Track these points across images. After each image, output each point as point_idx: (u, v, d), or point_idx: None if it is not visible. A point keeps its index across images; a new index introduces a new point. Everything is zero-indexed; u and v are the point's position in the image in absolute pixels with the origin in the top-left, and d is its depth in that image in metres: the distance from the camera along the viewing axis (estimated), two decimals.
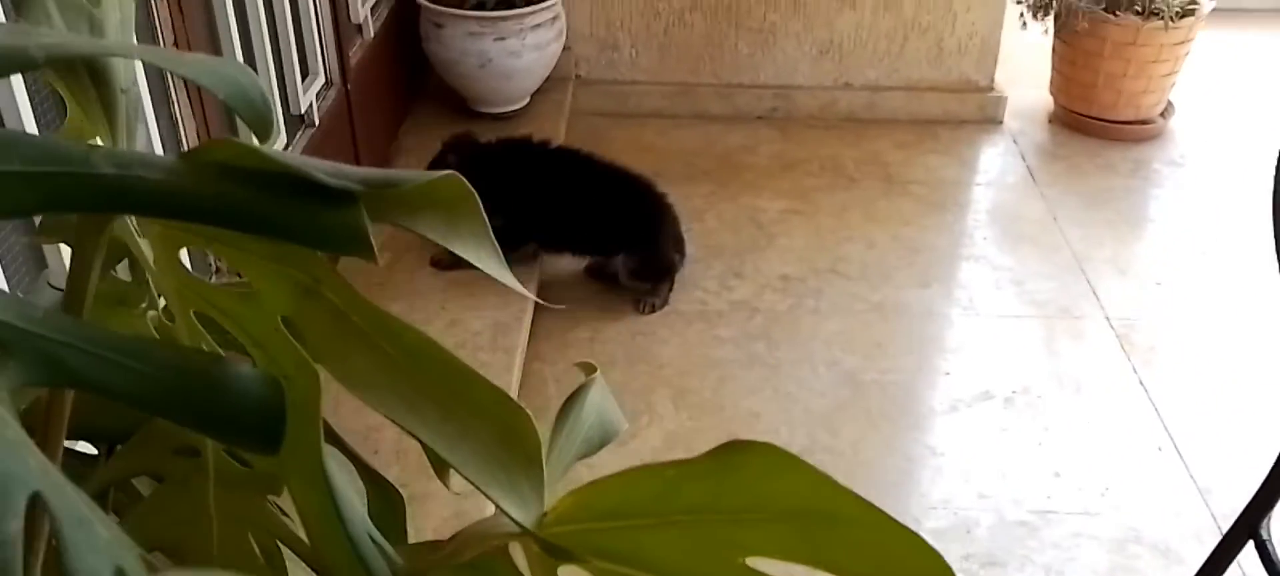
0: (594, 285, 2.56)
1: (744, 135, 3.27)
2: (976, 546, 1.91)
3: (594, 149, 3.14)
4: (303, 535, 0.64)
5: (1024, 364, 2.36)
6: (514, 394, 2.12)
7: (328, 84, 2.47)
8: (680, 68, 3.37)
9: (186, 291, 0.52)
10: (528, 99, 3.10)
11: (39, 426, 0.51)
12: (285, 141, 2.19)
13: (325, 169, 0.45)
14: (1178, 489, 2.05)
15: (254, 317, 0.50)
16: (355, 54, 2.64)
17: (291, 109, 2.27)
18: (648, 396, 2.24)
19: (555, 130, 3.04)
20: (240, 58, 1.98)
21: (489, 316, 2.27)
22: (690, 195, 2.94)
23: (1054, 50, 3.31)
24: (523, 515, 0.46)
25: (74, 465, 0.70)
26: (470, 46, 2.89)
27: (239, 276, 0.53)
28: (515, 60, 2.94)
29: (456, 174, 0.48)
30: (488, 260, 0.50)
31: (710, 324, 2.45)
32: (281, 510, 0.68)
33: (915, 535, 0.42)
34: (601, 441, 0.56)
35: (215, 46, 1.94)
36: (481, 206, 0.51)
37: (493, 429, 0.47)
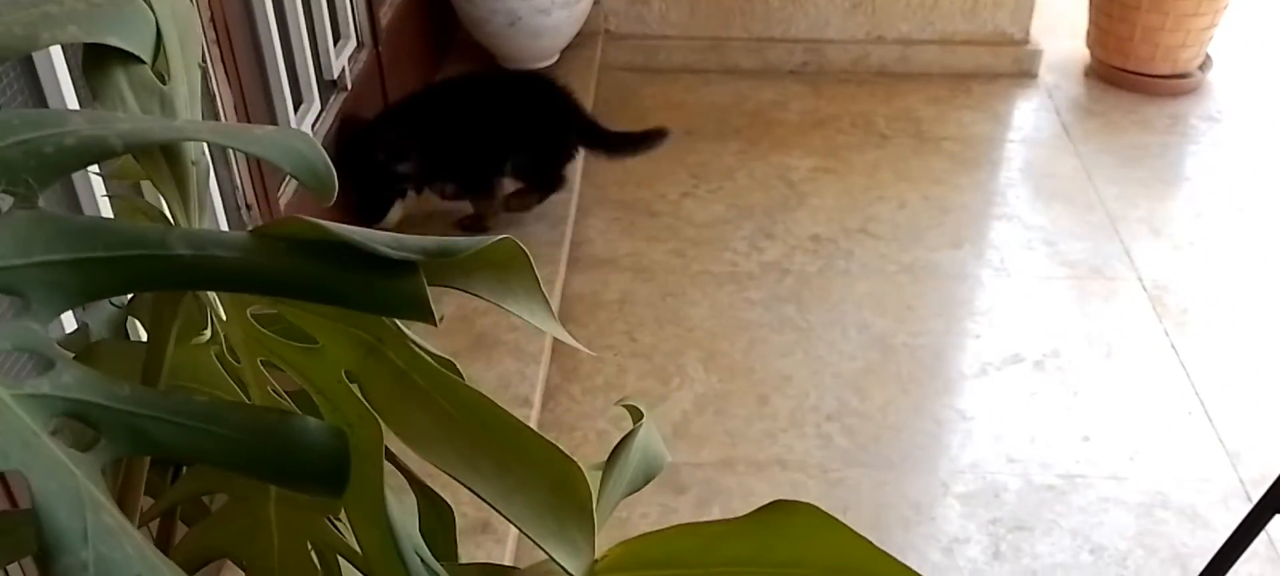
0: (625, 247, 2.58)
1: (775, 91, 3.25)
2: (1004, 510, 1.94)
3: (624, 106, 3.16)
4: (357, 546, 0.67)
5: (1055, 326, 2.37)
6: (545, 356, 2.15)
7: (359, 46, 2.48)
8: (711, 22, 3.35)
9: (253, 342, 0.54)
10: (557, 56, 3.11)
11: (120, 473, 0.55)
12: (319, 109, 2.21)
13: (386, 241, 0.48)
14: (1206, 454, 2.06)
15: (318, 370, 0.52)
16: (386, 14, 2.65)
17: (324, 74, 2.28)
18: (678, 358, 2.26)
19: (584, 86, 3.04)
20: (274, 27, 1.99)
21: None
22: (721, 153, 2.95)
23: (1091, 2, 3.26)
24: (574, 564, 0.49)
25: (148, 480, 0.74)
26: (499, 5, 2.89)
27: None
28: (544, 18, 2.94)
29: (512, 238, 0.51)
30: (539, 315, 0.52)
31: (741, 285, 2.47)
32: (335, 523, 0.72)
33: None
34: (645, 479, 0.59)
35: (249, 16, 1.96)
36: (532, 263, 0.53)
37: (545, 480, 0.50)
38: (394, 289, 0.47)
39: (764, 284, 2.47)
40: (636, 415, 0.60)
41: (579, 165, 2.71)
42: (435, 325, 0.49)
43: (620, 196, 2.76)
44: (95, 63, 0.47)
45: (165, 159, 0.48)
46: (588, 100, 3.00)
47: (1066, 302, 2.44)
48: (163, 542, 0.69)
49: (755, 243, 2.61)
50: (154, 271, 0.44)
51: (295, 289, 0.47)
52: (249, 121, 1.88)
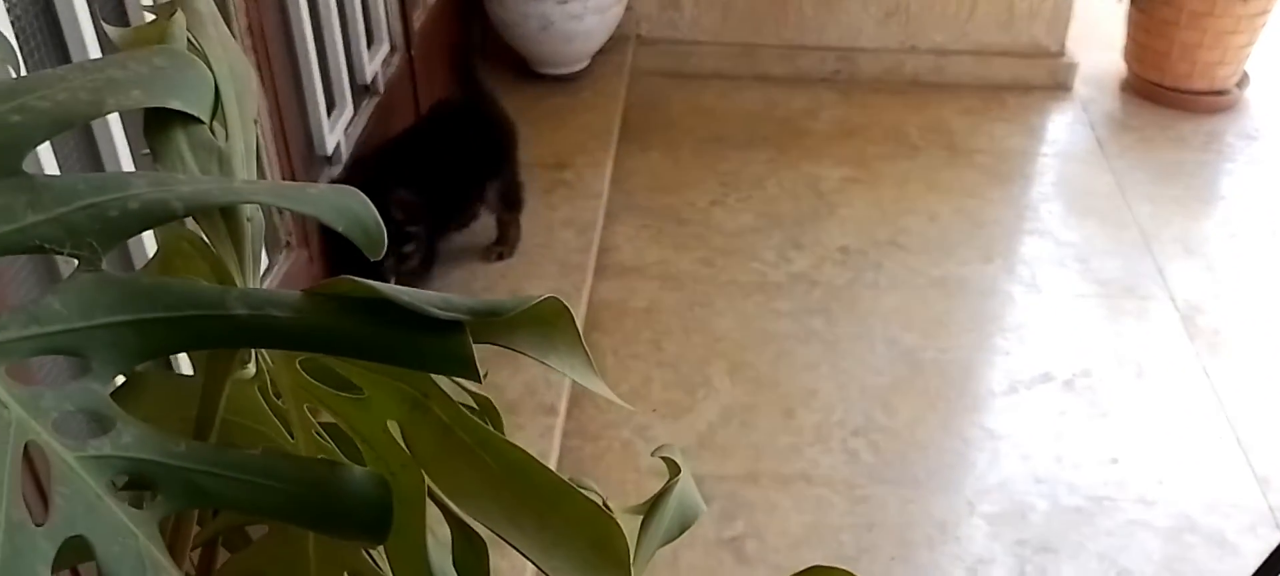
0: (653, 255, 2.59)
1: (806, 99, 3.25)
2: (1031, 531, 1.93)
3: (653, 111, 3.17)
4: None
5: (1085, 345, 2.35)
6: None
7: (392, 51, 2.50)
8: (743, 28, 3.35)
9: (301, 391, 0.55)
10: (588, 60, 3.11)
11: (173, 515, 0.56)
12: (351, 113, 2.23)
13: (434, 301, 0.49)
14: (1236, 479, 2.05)
15: (364, 420, 0.54)
16: (419, 18, 2.67)
17: (357, 79, 2.30)
18: (704, 369, 2.27)
19: (615, 94, 3.05)
20: (309, 32, 2.01)
21: (548, 286, 2.31)
22: (750, 161, 2.95)
23: (1129, 17, 3.23)
24: None
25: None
26: (532, 10, 2.90)
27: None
28: (577, 23, 2.95)
29: (556, 298, 0.52)
30: (580, 371, 0.53)
31: (769, 296, 2.47)
32: (370, 554, 0.73)
33: None
34: (681, 529, 0.60)
35: (285, 21, 1.98)
36: (574, 320, 0.54)
37: (585, 537, 0.51)
38: (441, 347, 0.48)
39: (792, 295, 2.48)
40: (674, 468, 0.61)
41: (607, 172, 2.72)
42: (480, 382, 0.50)
43: (649, 203, 2.77)
44: (156, 125, 0.48)
45: (222, 217, 0.49)
46: (618, 106, 3.01)
47: (1098, 321, 2.43)
48: (205, 568, 0.70)
49: (784, 253, 2.61)
50: (212, 331, 0.45)
51: (347, 347, 0.48)
52: (283, 126, 1.90)
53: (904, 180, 2.89)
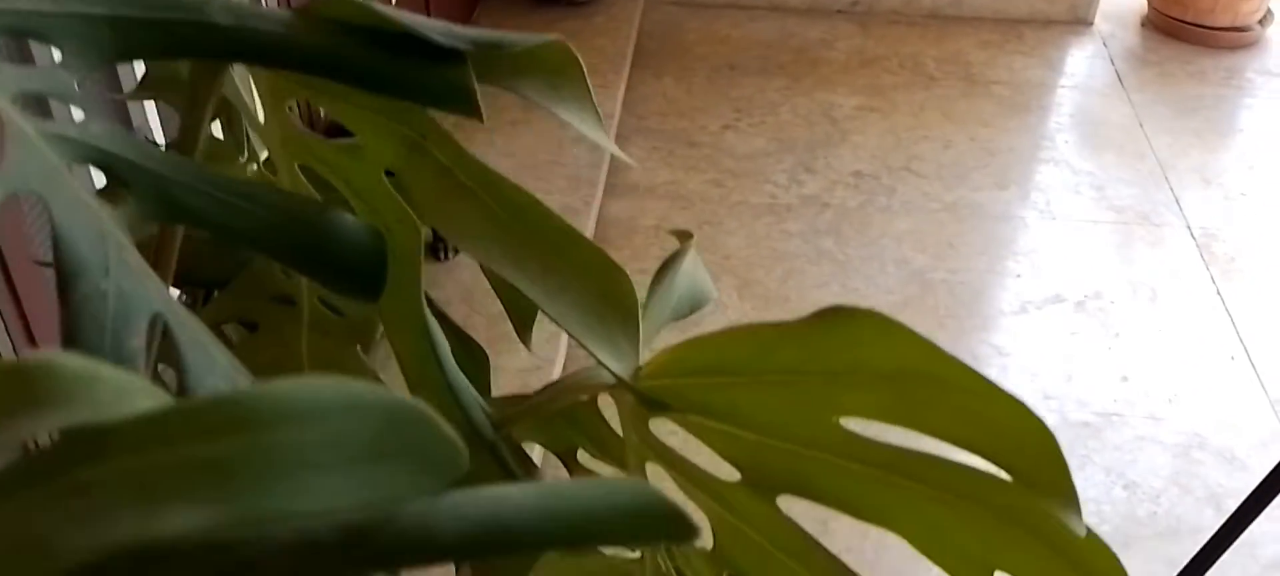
0: (663, 175, 2.55)
1: (823, 30, 3.20)
2: None
3: (667, 40, 3.12)
4: (388, 383, 0.66)
5: (1098, 269, 2.32)
6: None
7: None
8: None
9: (292, 143, 0.53)
10: None
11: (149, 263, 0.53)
12: None
13: (436, 28, 0.46)
14: (1247, 398, 2.02)
15: (358, 170, 0.51)
16: None
17: None
18: (713, 285, 2.24)
19: (629, 20, 3.00)
20: None
21: (556, 200, 2.28)
22: (764, 88, 2.91)
23: None
24: (619, 366, 0.47)
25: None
26: None
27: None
28: None
29: (563, 41, 0.49)
30: (588, 123, 0.51)
31: (779, 217, 2.44)
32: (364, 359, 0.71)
33: (1018, 401, 0.42)
34: (692, 307, 0.57)
35: None
36: (584, 71, 0.51)
37: (592, 285, 0.48)
38: (441, 78, 0.46)
39: (803, 216, 2.44)
40: (685, 236, 0.58)
41: (619, 94, 2.69)
42: (481, 120, 0.48)
43: (661, 127, 2.73)
44: None
45: None
46: (631, 31, 2.97)
47: (1112, 247, 2.39)
48: None
49: (795, 176, 2.57)
50: (190, 37, 0.43)
51: (338, 70, 0.45)
52: None
53: (919, 109, 2.85)
